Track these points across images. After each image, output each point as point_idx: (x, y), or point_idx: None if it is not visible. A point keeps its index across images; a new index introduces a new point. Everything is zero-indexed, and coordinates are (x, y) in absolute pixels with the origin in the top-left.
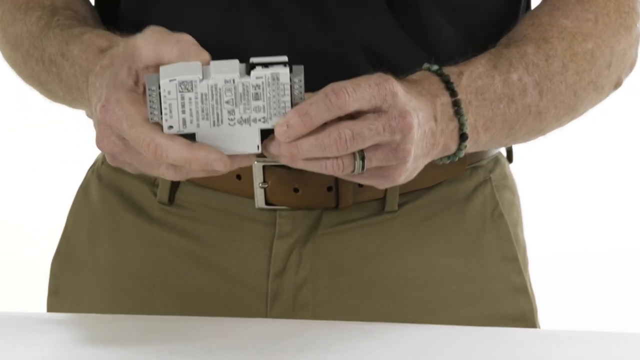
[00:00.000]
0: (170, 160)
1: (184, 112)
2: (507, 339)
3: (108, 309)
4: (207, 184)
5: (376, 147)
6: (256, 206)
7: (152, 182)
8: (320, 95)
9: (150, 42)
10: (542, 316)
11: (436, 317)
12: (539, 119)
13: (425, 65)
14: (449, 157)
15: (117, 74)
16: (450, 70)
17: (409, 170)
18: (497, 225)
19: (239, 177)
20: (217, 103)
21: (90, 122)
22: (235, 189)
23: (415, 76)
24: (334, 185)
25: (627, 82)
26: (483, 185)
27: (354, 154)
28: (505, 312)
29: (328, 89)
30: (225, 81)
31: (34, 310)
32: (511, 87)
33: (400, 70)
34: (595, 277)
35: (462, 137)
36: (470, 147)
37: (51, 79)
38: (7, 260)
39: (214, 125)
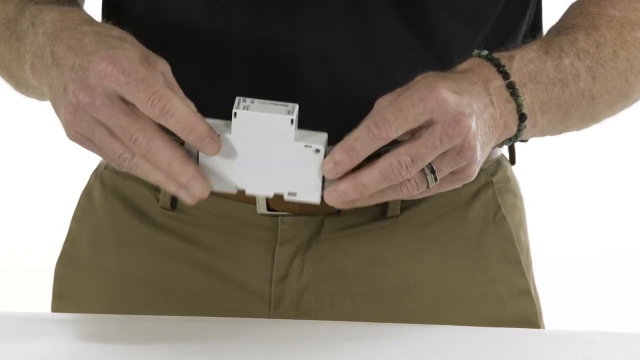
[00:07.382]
0: (173, 118)
1: None
2: (512, 340)
3: (112, 313)
4: None
5: (442, 156)
6: (258, 212)
7: (154, 187)
8: (362, 129)
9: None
10: (546, 317)
11: (439, 321)
12: (592, 104)
13: (475, 51)
14: (510, 139)
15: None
16: (500, 55)
17: (481, 162)
18: (499, 228)
19: None
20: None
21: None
22: (236, 194)
23: (465, 65)
24: None
25: None
26: (485, 188)
27: (422, 169)
28: (509, 315)
29: (370, 120)
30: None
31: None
32: (564, 71)
33: (401, 73)
34: (600, 278)
35: (522, 117)
36: (528, 130)
37: (11, 56)
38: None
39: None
